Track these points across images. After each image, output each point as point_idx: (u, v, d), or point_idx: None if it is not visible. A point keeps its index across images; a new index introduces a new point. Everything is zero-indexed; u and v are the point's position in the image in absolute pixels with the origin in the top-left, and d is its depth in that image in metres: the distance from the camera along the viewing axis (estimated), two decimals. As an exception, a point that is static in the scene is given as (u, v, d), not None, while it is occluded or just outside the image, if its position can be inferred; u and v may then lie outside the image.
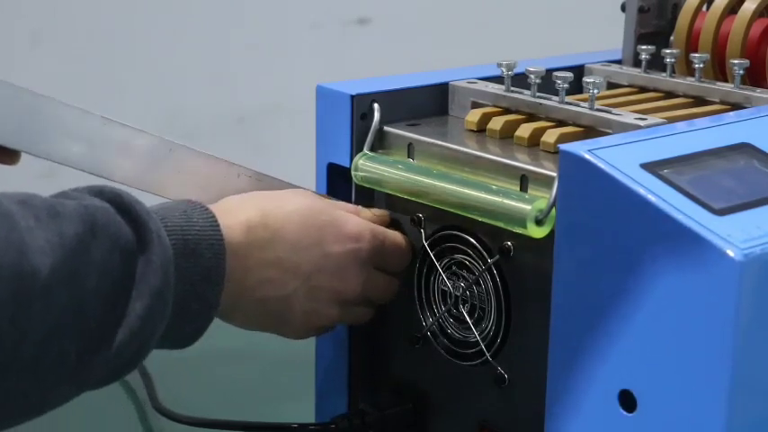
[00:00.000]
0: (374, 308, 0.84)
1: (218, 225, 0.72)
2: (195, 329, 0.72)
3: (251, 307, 0.77)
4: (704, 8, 0.95)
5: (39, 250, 0.61)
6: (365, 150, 0.84)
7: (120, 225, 0.66)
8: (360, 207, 0.83)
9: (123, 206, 0.67)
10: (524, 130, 0.81)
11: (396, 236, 0.82)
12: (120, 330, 0.65)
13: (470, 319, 0.80)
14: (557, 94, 0.83)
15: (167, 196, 0.80)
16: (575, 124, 0.81)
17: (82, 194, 0.68)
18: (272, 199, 0.78)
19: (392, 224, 0.84)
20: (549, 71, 0.85)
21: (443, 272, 0.81)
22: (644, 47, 0.94)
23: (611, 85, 0.95)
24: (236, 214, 0.75)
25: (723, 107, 0.88)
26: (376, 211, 0.84)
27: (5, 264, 0.60)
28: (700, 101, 0.90)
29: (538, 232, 0.73)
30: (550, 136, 0.80)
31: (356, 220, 0.80)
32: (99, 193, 0.68)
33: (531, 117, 0.84)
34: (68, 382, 0.65)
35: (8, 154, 0.76)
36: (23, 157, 0.78)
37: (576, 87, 0.87)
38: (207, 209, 0.73)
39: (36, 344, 0.61)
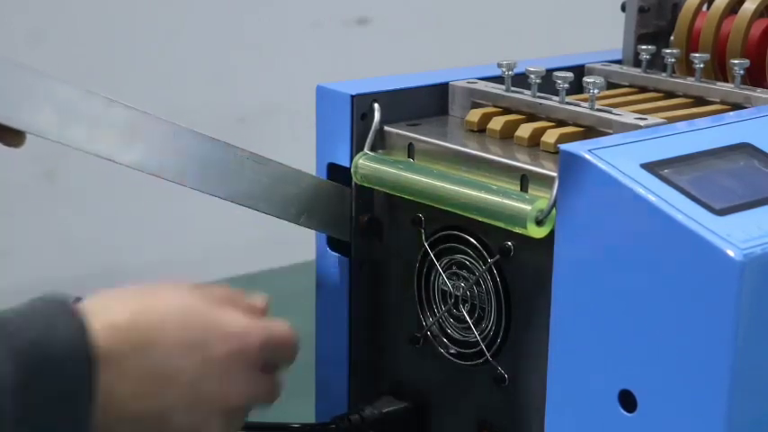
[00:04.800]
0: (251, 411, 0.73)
1: (85, 333, 0.62)
2: None
3: (122, 425, 0.65)
4: (704, 8, 0.95)
5: None
6: (365, 150, 0.84)
7: None
8: (237, 292, 0.72)
9: None
10: (524, 130, 0.81)
11: (282, 328, 0.71)
12: None
13: (470, 319, 0.80)
14: (557, 94, 0.83)
15: (168, 179, 0.79)
16: (575, 124, 0.81)
17: None
18: (143, 297, 0.67)
19: (392, 223, 0.84)
20: (549, 71, 0.85)
21: (443, 272, 0.81)
22: (644, 47, 0.94)
23: (611, 85, 0.95)
24: (102, 315, 0.64)
25: (723, 107, 0.88)
26: (255, 298, 0.72)
27: None
28: (700, 101, 0.90)
29: (538, 232, 0.73)
30: (550, 136, 0.80)
31: (238, 317, 0.69)
32: None
33: (531, 117, 0.84)
34: None
35: (13, 135, 0.76)
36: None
37: (576, 87, 0.87)
38: (74, 313, 0.63)
39: None
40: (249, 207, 0.84)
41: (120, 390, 0.64)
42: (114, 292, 0.67)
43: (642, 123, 0.78)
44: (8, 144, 0.76)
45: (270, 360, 0.71)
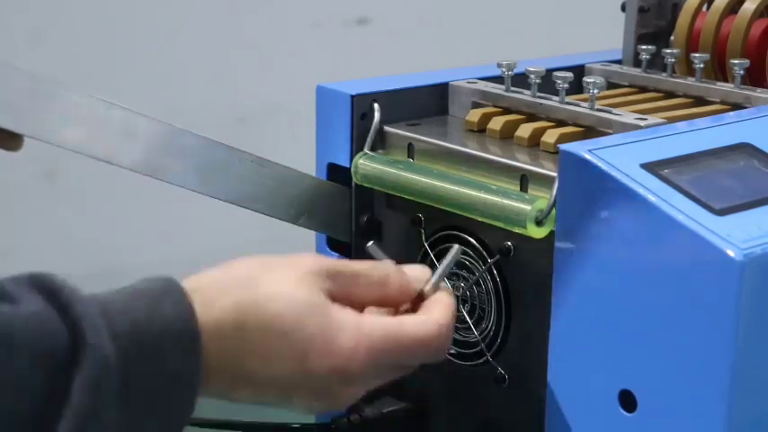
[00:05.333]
0: None
1: (191, 317, 0.61)
2: (179, 420, 0.62)
3: (245, 394, 0.66)
4: (704, 8, 0.95)
5: None
6: (365, 150, 0.84)
7: (49, 334, 0.57)
8: (393, 270, 0.68)
9: (61, 305, 0.58)
10: (524, 130, 0.81)
11: (414, 329, 0.65)
12: None
13: (470, 319, 0.80)
14: (557, 94, 0.83)
15: (169, 181, 0.79)
16: (575, 124, 0.81)
17: (17, 288, 0.59)
18: (257, 289, 0.64)
19: (392, 223, 0.84)
20: (549, 71, 0.85)
21: (443, 272, 0.81)
22: (644, 47, 0.94)
23: (611, 85, 0.95)
24: (212, 307, 0.62)
25: (723, 107, 0.88)
26: (414, 269, 0.69)
27: None
28: (700, 101, 0.90)
29: (538, 232, 0.73)
30: (550, 136, 0.80)
31: (351, 333, 0.64)
32: (38, 285, 0.59)
33: (531, 117, 0.84)
34: None
35: (10, 138, 0.75)
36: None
37: (576, 87, 0.87)
38: (183, 295, 0.61)
39: None
40: (249, 208, 0.84)
41: (226, 375, 0.63)
42: (221, 275, 0.65)
43: (642, 123, 0.78)
44: (6, 148, 0.76)
45: (394, 369, 0.66)
